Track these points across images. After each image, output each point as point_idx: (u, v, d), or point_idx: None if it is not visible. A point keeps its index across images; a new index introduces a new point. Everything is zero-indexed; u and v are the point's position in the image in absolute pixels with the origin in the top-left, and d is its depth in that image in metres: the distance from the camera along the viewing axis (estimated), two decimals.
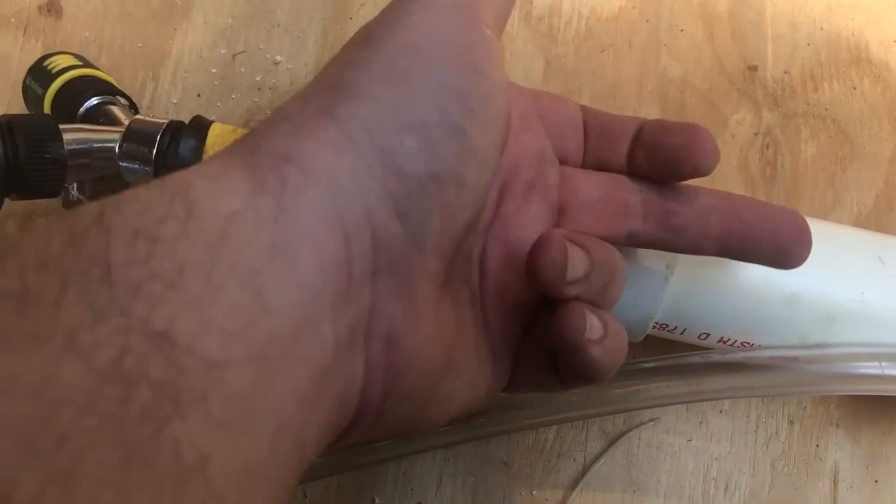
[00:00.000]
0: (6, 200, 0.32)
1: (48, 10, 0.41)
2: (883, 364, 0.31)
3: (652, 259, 0.31)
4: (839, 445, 0.37)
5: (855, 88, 0.42)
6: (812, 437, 0.37)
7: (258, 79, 0.40)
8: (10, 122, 0.31)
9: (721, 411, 0.37)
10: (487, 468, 0.36)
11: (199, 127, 0.33)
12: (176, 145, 0.33)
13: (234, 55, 0.41)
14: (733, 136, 0.41)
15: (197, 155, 0.32)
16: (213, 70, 0.40)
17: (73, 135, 0.32)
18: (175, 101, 0.40)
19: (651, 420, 0.37)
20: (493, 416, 0.34)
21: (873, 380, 0.31)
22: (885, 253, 0.33)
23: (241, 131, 0.33)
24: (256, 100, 0.40)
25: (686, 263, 0.31)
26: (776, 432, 0.37)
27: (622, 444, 0.37)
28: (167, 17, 0.41)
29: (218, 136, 0.33)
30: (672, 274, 0.31)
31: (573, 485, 0.36)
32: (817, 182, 0.40)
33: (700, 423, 0.37)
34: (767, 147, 0.41)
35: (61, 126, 0.32)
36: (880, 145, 0.41)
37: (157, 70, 0.40)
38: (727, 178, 0.40)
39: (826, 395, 0.37)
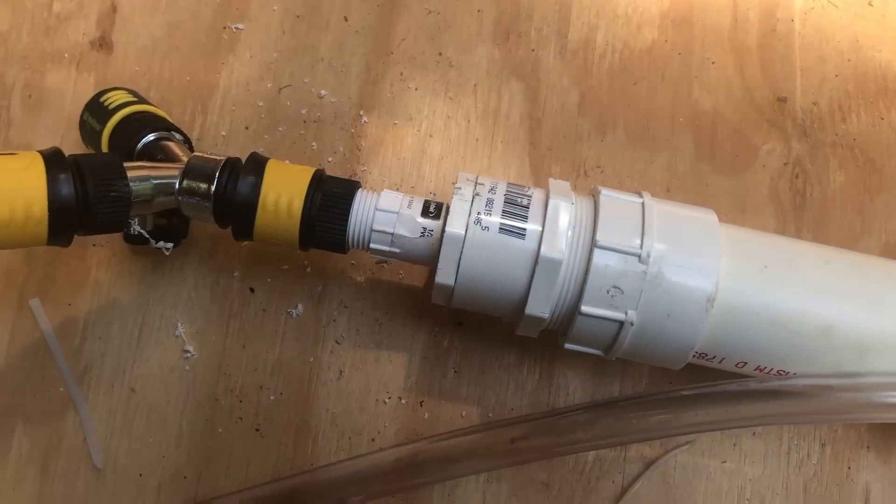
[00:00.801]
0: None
1: (100, 45, 0.42)
2: None
3: (692, 291, 0.32)
4: (870, 468, 0.38)
5: (882, 119, 0.43)
6: (844, 460, 0.38)
7: (303, 112, 0.42)
8: (78, 163, 0.31)
9: (754, 434, 0.39)
10: (529, 489, 0.37)
11: (257, 164, 0.34)
12: (235, 181, 0.34)
13: (280, 89, 0.42)
14: (764, 166, 0.42)
15: (255, 190, 0.34)
16: (260, 103, 0.42)
17: (136, 172, 0.33)
18: (224, 133, 0.41)
19: (687, 443, 0.38)
20: (535, 441, 0.35)
21: None
22: None
23: (296, 167, 0.35)
24: (302, 132, 0.41)
25: (726, 295, 0.32)
26: (808, 455, 0.38)
27: (659, 466, 0.38)
28: (214, 52, 0.43)
29: (275, 172, 0.34)
30: (712, 306, 0.32)
31: None
32: (846, 210, 0.42)
33: (734, 445, 0.38)
34: (797, 177, 0.42)
35: (125, 164, 0.33)
36: None
37: (205, 103, 0.42)
38: (758, 207, 0.41)
39: None
